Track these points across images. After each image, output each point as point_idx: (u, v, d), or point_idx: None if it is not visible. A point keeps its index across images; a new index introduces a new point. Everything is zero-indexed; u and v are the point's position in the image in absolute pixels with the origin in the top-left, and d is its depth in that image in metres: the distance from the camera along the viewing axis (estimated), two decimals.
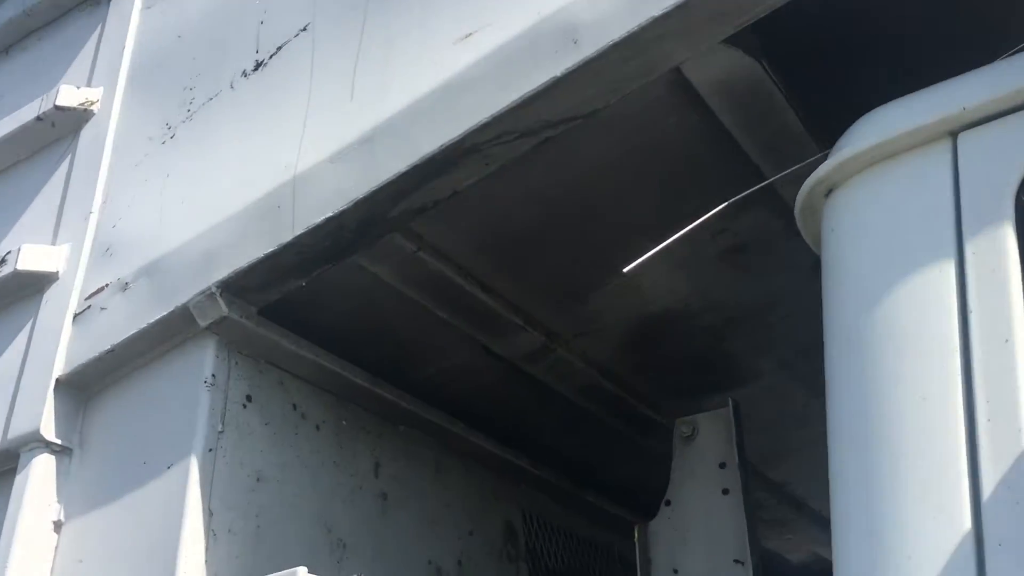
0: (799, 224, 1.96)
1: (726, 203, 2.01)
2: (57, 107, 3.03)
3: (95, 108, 3.04)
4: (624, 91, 2.08)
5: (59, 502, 2.54)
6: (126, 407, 2.58)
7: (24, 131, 3.11)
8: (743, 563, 2.46)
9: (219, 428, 2.40)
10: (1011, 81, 1.66)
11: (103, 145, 2.94)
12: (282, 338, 2.56)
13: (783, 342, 3.16)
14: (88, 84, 3.12)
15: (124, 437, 2.54)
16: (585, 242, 2.70)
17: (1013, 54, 1.74)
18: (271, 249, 2.33)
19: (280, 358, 2.60)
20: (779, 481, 4.02)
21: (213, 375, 2.43)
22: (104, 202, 2.84)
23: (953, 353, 1.53)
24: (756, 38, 2.21)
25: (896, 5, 2.34)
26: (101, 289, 2.65)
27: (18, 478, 2.54)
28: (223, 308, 2.39)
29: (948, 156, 1.69)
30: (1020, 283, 1.52)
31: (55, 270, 2.77)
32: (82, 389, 2.64)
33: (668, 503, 2.64)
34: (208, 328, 2.44)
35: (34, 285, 2.79)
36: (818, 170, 1.85)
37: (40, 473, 2.53)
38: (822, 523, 4.42)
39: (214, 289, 2.39)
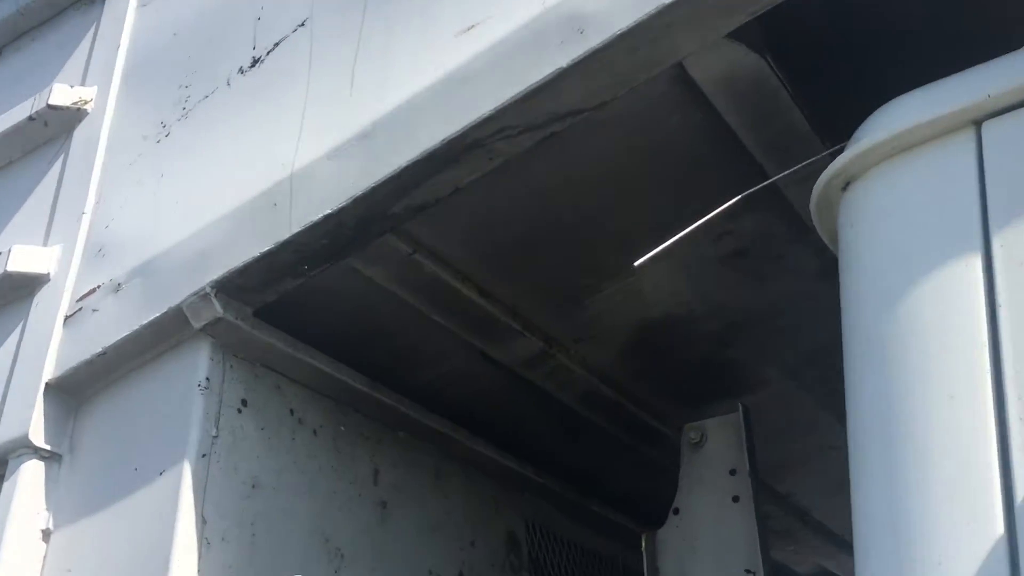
0: (814, 219, 1.89)
1: (739, 196, 1.94)
2: (50, 106, 2.97)
3: (89, 107, 2.98)
4: (631, 83, 2.02)
5: (48, 510, 2.46)
6: (117, 412, 2.50)
7: (16, 131, 3.05)
8: (754, 573, 2.40)
9: (213, 433, 2.32)
10: None
11: (96, 145, 2.87)
12: (279, 341, 2.48)
13: (788, 349, 3.09)
14: (82, 83, 3.07)
15: (115, 442, 2.46)
16: (584, 245, 2.63)
17: None
18: (268, 248, 2.26)
19: (276, 361, 2.53)
20: (784, 492, 3.95)
21: (207, 378, 2.36)
22: (97, 202, 2.78)
23: (982, 349, 1.46)
24: (761, 33, 2.14)
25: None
26: (93, 290, 2.58)
27: (6, 485, 2.46)
28: (218, 309, 2.32)
29: (972, 146, 1.61)
30: None
31: (46, 271, 2.70)
32: (73, 393, 2.56)
33: (676, 511, 2.57)
34: (202, 330, 2.36)
35: (25, 287, 2.72)
36: (835, 162, 1.78)
37: (28, 480, 2.45)
38: (827, 534, 4.36)
39: (208, 289, 2.32)
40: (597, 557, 3.54)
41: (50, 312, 2.63)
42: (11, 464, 2.49)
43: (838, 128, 2.02)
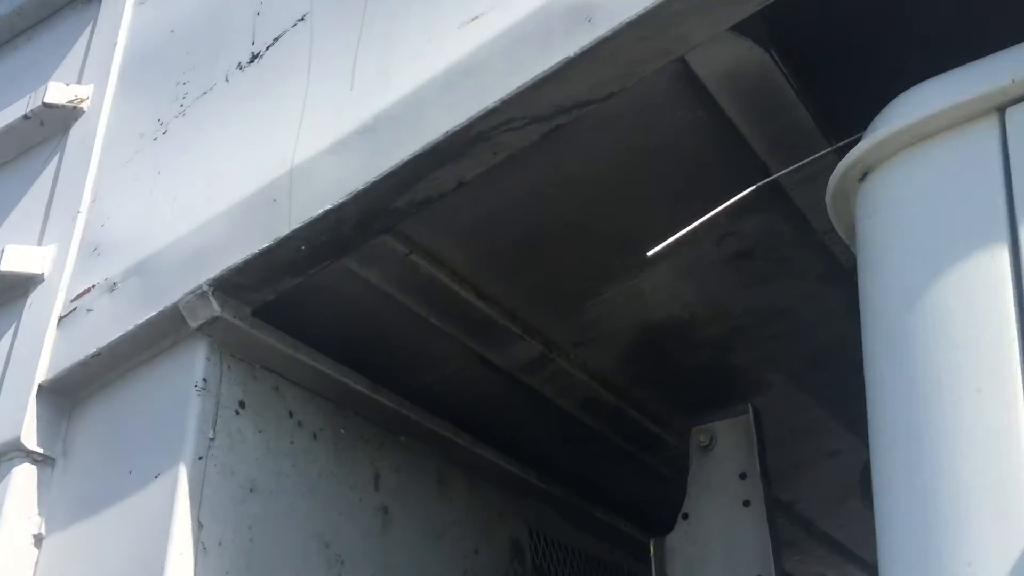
0: (830, 212, 1.83)
1: (753, 186, 1.88)
2: (45, 104, 2.92)
3: (85, 106, 2.93)
4: (640, 74, 1.97)
5: (40, 515, 2.39)
6: (112, 414, 2.44)
7: (11, 130, 3.00)
8: None
9: (210, 435, 2.26)
10: None
11: (92, 143, 2.82)
12: (278, 341, 2.42)
13: (793, 353, 3.03)
14: (78, 82, 3.02)
15: (109, 445, 2.40)
16: (584, 246, 2.57)
17: None
18: (266, 244, 2.20)
19: (276, 362, 2.47)
20: (788, 500, 3.89)
21: (204, 379, 2.30)
22: (93, 201, 2.72)
23: (1011, 343, 1.40)
24: (766, 27, 2.08)
25: None
26: (88, 290, 2.52)
27: None
28: (215, 308, 2.26)
29: (996, 132, 1.56)
30: None
31: (40, 271, 2.65)
32: (66, 395, 2.50)
33: (685, 516, 2.51)
34: (199, 329, 2.31)
35: (18, 287, 2.66)
36: (852, 152, 1.72)
37: (20, 484, 2.39)
38: (833, 544, 4.30)
39: (206, 287, 2.26)
40: (602, 565, 3.48)
41: (44, 312, 2.57)
42: (2, 468, 2.42)
43: (844, 126, 1.97)
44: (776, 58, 2.13)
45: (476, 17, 2.08)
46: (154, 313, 2.34)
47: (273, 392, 2.46)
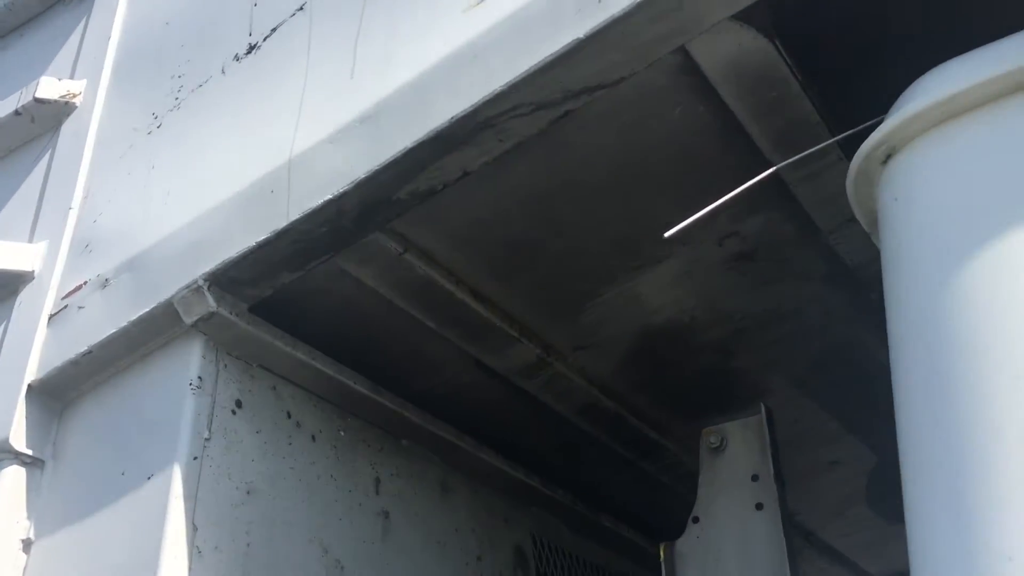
0: (850, 197, 1.76)
1: (773, 168, 1.81)
2: (37, 100, 2.85)
3: (77, 101, 2.86)
4: (653, 57, 1.89)
5: (29, 519, 2.31)
6: (104, 414, 2.36)
7: (1, 127, 2.92)
8: None
9: (205, 435, 2.18)
10: None
11: (85, 138, 2.76)
12: (276, 339, 2.35)
13: (795, 358, 2.95)
14: (71, 77, 2.95)
15: (101, 446, 2.31)
16: (583, 247, 2.49)
17: None
18: (264, 237, 2.13)
19: (273, 361, 2.39)
20: (789, 510, 3.81)
21: (200, 377, 2.22)
22: (85, 197, 2.65)
23: None
24: (770, 16, 2.01)
25: None
26: (79, 287, 2.44)
27: None
28: (211, 303, 2.19)
29: None
30: None
31: (30, 269, 2.57)
32: (56, 396, 2.42)
33: (696, 520, 2.43)
34: (194, 326, 2.23)
35: (8, 286, 2.59)
36: (875, 133, 1.66)
37: (8, 487, 2.30)
38: (834, 556, 4.23)
39: (201, 282, 2.19)
40: (607, 573, 3.39)
41: (34, 311, 2.49)
42: None
43: (851, 121, 1.91)
44: (780, 48, 2.05)
45: (482, 0, 2.01)
46: (147, 309, 2.26)
47: (271, 391, 2.39)
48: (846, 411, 3.25)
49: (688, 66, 2.05)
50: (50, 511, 2.31)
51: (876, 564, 4.45)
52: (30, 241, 2.66)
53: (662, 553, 2.42)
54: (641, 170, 2.31)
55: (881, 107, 1.77)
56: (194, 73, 2.60)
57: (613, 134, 2.21)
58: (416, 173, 2.04)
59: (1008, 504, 1.26)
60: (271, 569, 2.20)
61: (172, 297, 2.22)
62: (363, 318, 2.53)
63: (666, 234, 1.75)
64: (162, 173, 2.48)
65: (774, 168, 1.87)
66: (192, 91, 2.57)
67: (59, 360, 2.37)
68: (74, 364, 2.36)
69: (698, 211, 1.86)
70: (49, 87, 2.87)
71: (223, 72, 2.52)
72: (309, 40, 2.35)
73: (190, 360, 2.24)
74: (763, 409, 2.44)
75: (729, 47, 2.01)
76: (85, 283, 2.43)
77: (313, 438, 2.44)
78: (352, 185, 2.04)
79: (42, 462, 2.36)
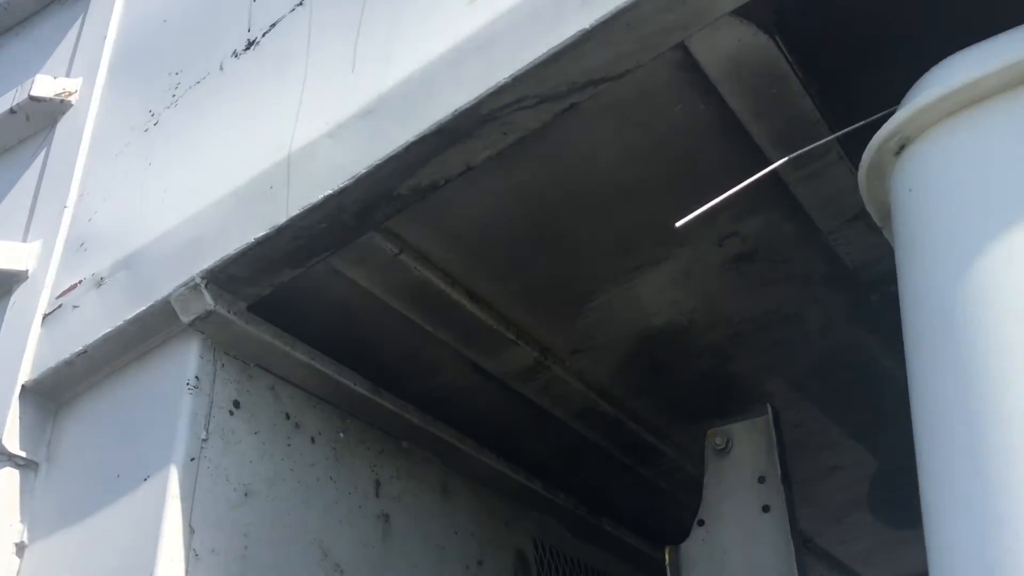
0: (862, 189, 1.73)
1: (781, 161, 1.77)
2: (32, 98, 2.83)
3: (73, 99, 2.83)
4: (660, 48, 1.86)
5: (23, 522, 2.26)
6: (99, 415, 2.31)
7: None
8: None
9: (203, 436, 2.14)
10: None
11: (80, 136, 2.73)
12: (275, 339, 2.31)
13: (796, 360, 2.91)
14: (67, 75, 2.92)
15: (96, 448, 2.27)
16: (580, 247, 2.46)
17: None
18: (263, 233, 2.09)
19: (272, 361, 2.35)
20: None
21: (197, 377, 2.18)
22: (80, 196, 2.62)
23: None
24: (771, 12, 1.97)
25: None
26: (74, 286, 2.40)
27: None
28: (208, 301, 2.15)
29: None
30: None
31: (24, 268, 2.53)
32: (51, 396, 2.38)
33: (701, 523, 2.39)
34: (191, 325, 2.19)
35: (1, 285, 2.55)
36: (887, 124, 1.62)
37: (2, 489, 2.26)
38: (834, 563, 4.18)
39: (198, 280, 2.15)
40: None
41: (28, 310, 2.45)
42: None
43: (852, 119, 1.88)
44: (781, 45, 2.02)
45: None
46: (144, 308, 2.22)
47: (269, 392, 2.35)
48: (847, 415, 3.21)
49: (688, 63, 2.02)
50: (44, 514, 2.26)
51: (875, 571, 4.41)
52: (24, 240, 2.63)
53: (667, 557, 2.37)
54: (640, 169, 2.27)
55: (881, 105, 1.75)
56: (192, 70, 2.57)
57: (612, 134, 2.18)
58: (418, 168, 2.01)
59: None
60: (269, 572, 2.15)
61: (169, 295, 2.18)
62: (359, 319, 2.49)
63: (677, 224, 1.72)
64: (159, 170, 2.44)
65: (792, 155, 1.82)
66: (190, 88, 2.54)
67: (53, 360, 2.34)
68: (69, 364, 2.32)
69: (707, 203, 1.84)
70: (45, 85, 2.83)
71: (221, 69, 2.48)
72: (309, 34, 2.32)
73: (187, 360, 2.20)
74: (769, 409, 2.40)
75: (729, 43, 1.98)
76: (80, 282, 2.40)
77: (312, 439, 2.40)
78: (352, 180, 2.01)
79: (36, 464, 2.32)
